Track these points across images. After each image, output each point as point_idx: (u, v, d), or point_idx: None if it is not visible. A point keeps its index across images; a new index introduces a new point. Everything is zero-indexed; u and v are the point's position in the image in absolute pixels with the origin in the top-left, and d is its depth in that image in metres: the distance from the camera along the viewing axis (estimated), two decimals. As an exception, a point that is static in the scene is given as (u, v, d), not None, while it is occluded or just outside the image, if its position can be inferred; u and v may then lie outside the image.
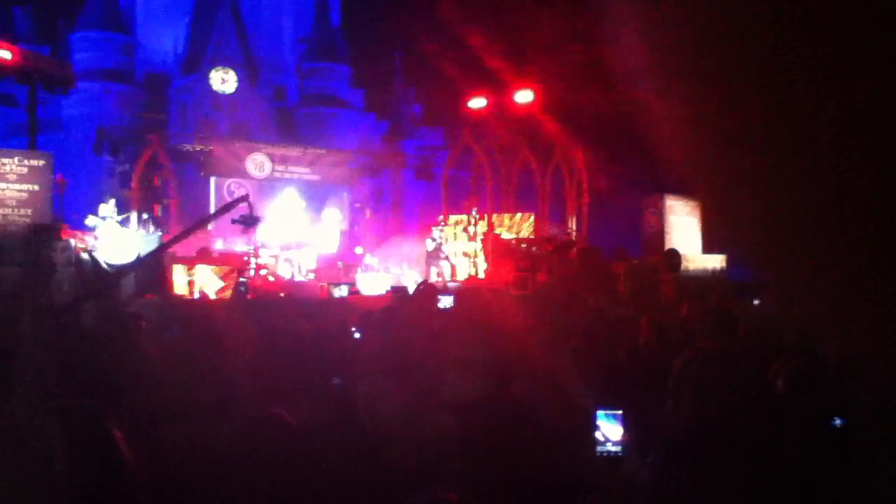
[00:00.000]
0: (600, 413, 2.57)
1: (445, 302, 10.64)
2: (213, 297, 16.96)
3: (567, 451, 2.45)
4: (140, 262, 15.84)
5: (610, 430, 2.56)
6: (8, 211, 17.47)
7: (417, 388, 3.04)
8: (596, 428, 2.54)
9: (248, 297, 16.71)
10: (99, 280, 14.67)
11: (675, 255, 17.80)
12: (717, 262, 18.49)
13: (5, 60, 18.78)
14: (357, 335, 5.97)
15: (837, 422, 2.40)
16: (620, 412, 2.57)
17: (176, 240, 14.91)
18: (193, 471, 2.37)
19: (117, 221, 18.37)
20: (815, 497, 1.92)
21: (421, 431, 2.50)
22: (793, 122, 0.45)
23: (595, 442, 2.48)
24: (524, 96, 22.93)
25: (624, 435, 2.51)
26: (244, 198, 16.53)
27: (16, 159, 17.85)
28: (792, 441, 2.11)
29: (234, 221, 17.70)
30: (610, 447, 2.50)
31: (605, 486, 2.26)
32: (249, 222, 17.44)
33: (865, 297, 0.49)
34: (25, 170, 17.80)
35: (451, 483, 1.83)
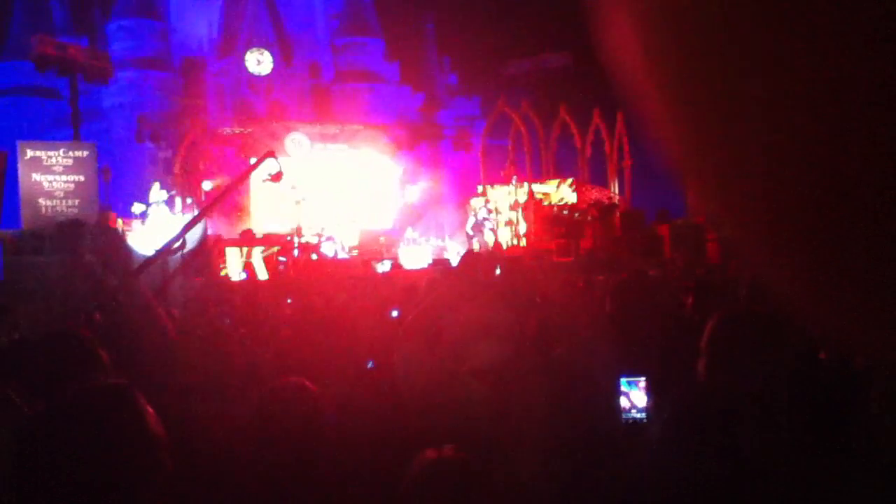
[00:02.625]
0: (623, 380, 2.53)
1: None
2: (260, 276, 17.18)
3: (592, 417, 2.42)
4: (176, 238, 16.03)
5: (635, 397, 2.51)
6: (56, 202, 17.92)
7: (448, 355, 3.02)
8: (621, 394, 2.50)
9: (292, 275, 16.89)
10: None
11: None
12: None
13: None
14: (395, 313, 5.96)
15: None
16: (644, 379, 2.53)
17: (207, 209, 15.06)
18: (217, 441, 2.41)
19: (164, 203, 18.64)
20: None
21: (449, 396, 2.49)
22: (791, 106, 0.42)
23: (620, 408, 2.45)
24: (560, 59, 22.63)
25: (649, 401, 2.47)
26: (269, 154, 16.58)
27: (61, 151, 18.27)
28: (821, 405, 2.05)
29: (264, 181, 17.87)
30: (634, 414, 2.46)
31: (629, 451, 2.23)
32: (277, 179, 17.55)
33: (865, 286, 0.45)
34: (71, 161, 18.21)
35: (467, 446, 1.81)
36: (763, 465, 1.63)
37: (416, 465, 1.78)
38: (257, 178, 23.37)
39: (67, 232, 16.10)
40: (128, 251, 16.37)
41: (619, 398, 2.43)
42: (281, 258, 17.71)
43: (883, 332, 0.52)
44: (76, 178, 18.23)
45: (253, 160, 23.50)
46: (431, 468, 1.75)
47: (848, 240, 0.50)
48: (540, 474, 1.92)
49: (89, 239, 15.98)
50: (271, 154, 10.90)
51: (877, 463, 1.79)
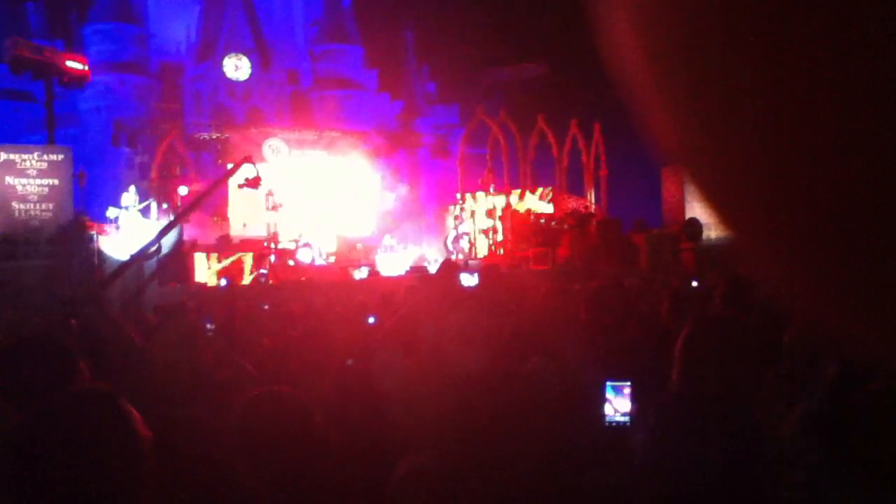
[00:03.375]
0: (608, 385, 2.57)
1: (469, 280, 10.60)
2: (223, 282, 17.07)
3: (574, 422, 2.46)
4: (152, 244, 15.90)
5: (618, 402, 2.56)
6: (30, 206, 17.72)
7: (424, 364, 3.05)
8: (604, 399, 2.55)
9: (270, 283, 16.83)
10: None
11: (695, 225, 17.66)
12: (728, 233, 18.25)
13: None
14: (371, 320, 5.98)
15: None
16: (629, 384, 2.58)
17: (183, 214, 14.95)
18: (199, 448, 2.41)
19: (138, 210, 18.50)
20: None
21: (424, 405, 2.52)
22: (792, 103, 0.44)
23: (603, 413, 2.49)
24: (539, 68, 22.78)
25: (632, 406, 2.51)
26: (246, 159, 16.50)
27: (35, 155, 18.07)
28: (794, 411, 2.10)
29: (240, 186, 17.80)
30: (618, 418, 2.51)
31: (612, 456, 2.27)
32: (253, 185, 17.47)
33: (861, 283, 0.47)
34: (45, 165, 18.02)
35: (444, 453, 1.84)
36: (739, 471, 1.67)
37: (398, 472, 1.80)
38: (235, 184, 23.30)
39: (49, 236, 15.94)
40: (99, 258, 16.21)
41: (603, 403, 2.48)
42: (262, 270, 17.62)
43: (887, 334, 0.53)
44: (51, 181, 18.04)
45: (231, 166, 23.42)
46: (412, 475, 1.78)
47: (852, 240, 0.50)
48: (521, 480, 1.95)
49: (70, 244, 15.82)
50: (249, 160, 10.83)
51: (868, 470, 1.83)
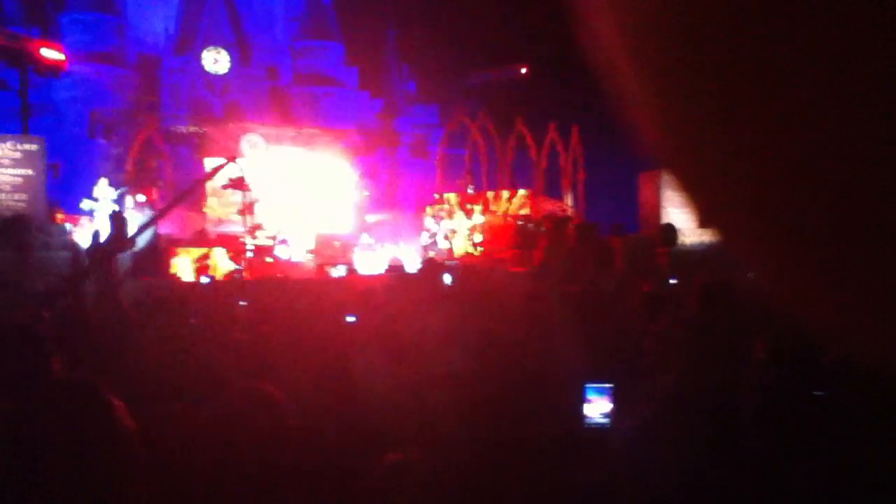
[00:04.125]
0: (589, 386, 2.60)
1: (445, 279, 10.62)
2: (205, 279, 16.97)
3: (555, 423, 2.49)
4: (132, 238, 15.79)
5: (598, 403, 2.59)
6: (3, 196, 17.45)
7: (409, 364, 3.06)
8: (585, 400, 2.58)
9: (246, 279, 16.74)
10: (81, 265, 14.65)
11: (671, 230, 17.79)
12: (713, 235, 18.42)
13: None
14: (350, 319, 5.97)
15: (819, 393, 2.44)
16: (609, 386, 2.61)
17: (164, 212, 14.86)
18: (181, 446, 2.41)
19: (112, 201, 18.31)
20: (792, 466, 1.95)
21: (406, 402, 2.54)
22: (785, 100, 0.44)
23: (583, 414, 2.52)
24: (517, 71, 22.87)
25: (612, 408, 2.55)
26: (230, 160, 16.48)
27: (9, 144, 17.79)
28: (772, 412, 2.14)
29: (224, 186, 17.71)
30: (598, 419, 2.54)
31: (592, 456, 2.30)
32: (238, 186, 17.43)
33: (850, 279, 0.48)
34: (19, 154, 17.74)
35: (426, 449, 1.86)
36: (727, 472, 1.70)
37: (379, 467, 1.82)
38: (218, 183, 23.14)
39: (12, 226, 15.69)
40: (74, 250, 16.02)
41: (582, 404, 2.51)
42: (237, 265, 17.51)
43: (882, 331, 0.53)
44: (24, 171, 17.76)
45: (209, 160, 23.25)
46: (393, 470, 1.79)
47: (846, 239, 0.51)
48: (501, 475, 1.97)
49: (36, 235, 15.59)
50: (232, 159, 10.78)
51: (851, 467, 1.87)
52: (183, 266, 17.70)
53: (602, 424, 2.53)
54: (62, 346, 3.27)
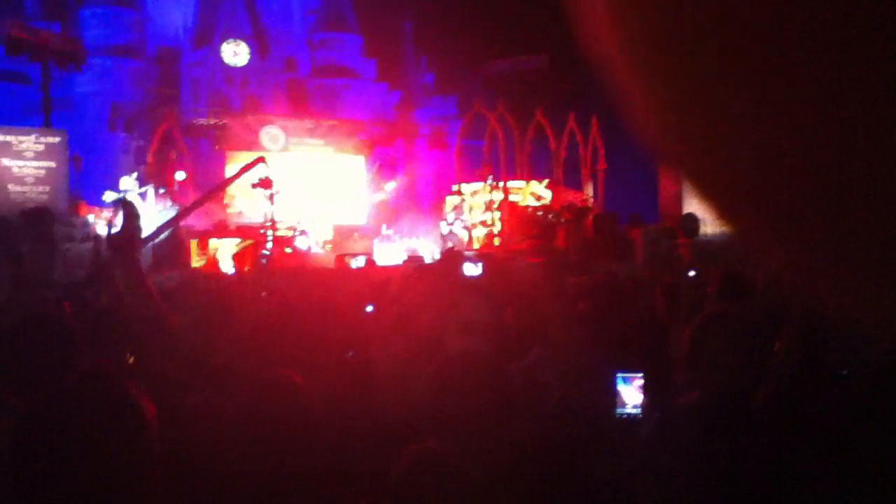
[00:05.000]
0: (619, 376, 2.58)
1: (473, 270, 10.53)
2: (231, 270, 17.09)
3: (580, 414, 2.48)
4: (155, 234, 15.91)
5: (628, 393, 2.57)
6: (27, 188, 17.66)
7: (428, 353, 3.06)
8: (615, 391, 2.56)
9: (269, 268, 16.85)
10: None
11: (692, 220, 17.66)
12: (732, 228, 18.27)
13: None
14: (369, 308, 5.97)
15: (844, 372, 2.43)
16: (640, 375, 2.59)
17: (190, 209, 14.97)
18: (203, 431, 2.42)
19: (138, 194, 18.46)
20: (817, 452, 1.93)
21: (429, 393, 2.53)
22: (788, 94, 0.44)
23: (613, 405, 2.50)
24: (537, 61, 22.77)
25: (644, 398, 2.53)
26: (259, 160, 16.62)
27: (32, 137, 18.00)
28: (798, 398, 2.12)
29: (253, 186, 17.84)
30: (629, 410, 2.53)
31: (622, 448, 2.29)
32: (267, 186, 17.58)
33: (863, 264, 0.48)
34: (42, 147, 17.95)
35: (451, 440, 1.86)
36: (749, 466, 1.69)
37: (404, 457, 1.81)
38: (232, 172, 23.25)
39: (37, 219, 15.87)
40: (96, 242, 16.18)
41: (613, 395, 2.49)
42: (265, 251, 17.61)
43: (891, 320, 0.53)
44: (47, 164, 17.97)
45: (231, 153, 23.34)
46: (418, 461, 1.79)
47: (852, 233, 0.51)
48: (528, 468, 1.97)
49: (60, 227, 15.76)
50: (262, 160, 10.84)
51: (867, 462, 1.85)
52: (223, 256, 17.84)
53: (633, 415, 2.51)
54: (86, 337, 3.30)
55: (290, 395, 2.21)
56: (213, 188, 17.47)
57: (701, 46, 0.51)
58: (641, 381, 2.55)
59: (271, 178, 17.75)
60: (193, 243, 18.00)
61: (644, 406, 2.50)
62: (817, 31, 0.47)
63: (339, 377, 3.17)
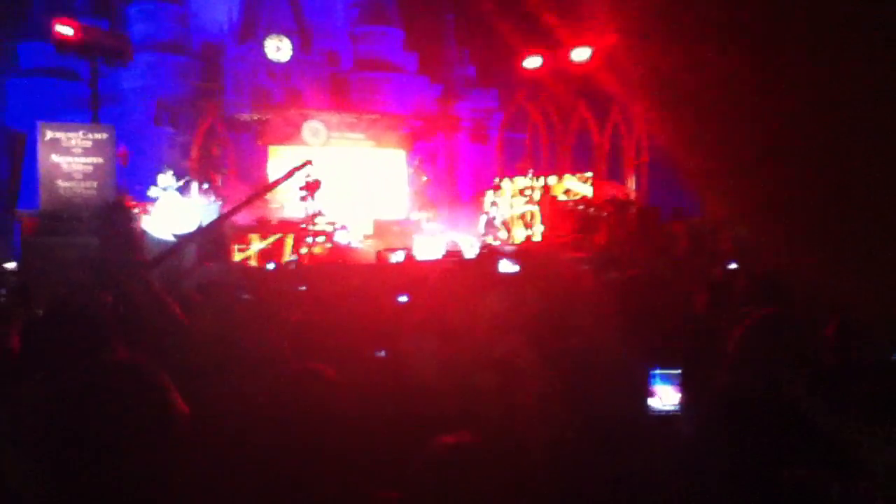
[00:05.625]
0: (657, 373, 2.52)
1: (510, 267, 10.46)
2: (271, 265, 17.26)
3: (618, 409, 2.42)
4: (202, 231, 16.18)
5: (665, 390, 2.51)
6: (74, 184, 18.01)
7: (461, 346, 3.03)
8: (651, 386, 2.50)
9: (305, 264, 16.98)
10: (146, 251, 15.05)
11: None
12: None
13: (66, 36, 19.23)
14: (403, 299, 5.96)
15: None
16: (678, 372, 2.52)
17: (237, 209, 15.13)
18: (233, 422, 2.42)
19: (176, 190, 18.71)
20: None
21: (462, 387, 2.50)
22: (796, 100, 0.41)
23: (650, 401, 2.44)
24: (581, 53, 22.53)
25: (682, 395, 2.46)
26: (306, 164, 16.74)
27: (80, 133, 18.34)
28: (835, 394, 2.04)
29: (301, 188, 18.00)
30: (666, 407, 2.46)
31: (659, 446, 2.22)
32: (314, 189, 17.76)
33: (872, 264, 0.45)
34: (90, 143, 18.28)
35: (483, 431, 1.82)
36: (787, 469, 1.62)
37: (432, 449, 1.78)
38: (274, 166, 23.46)
39: (101, 214, 16.20)
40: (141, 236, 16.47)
41: (649, 391, 2.43)
42: (293, 257, 17.78)
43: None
44: (95, 160, 18.29)
45: (273, 149, 23.55)
46: (448, 453, 1.76)
47: (860, 229, 0.49)
48: (561, 460, 1.92)
49: (112, 223, 16.04)
50: (309, 163, 10.93)
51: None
52: (252, 253, 18.08)
53: (670, 412, 2.45)
54: (125, 329, 3.33)
55: (320, 387, 2.20)
56: (261, 189, 17.67)
57: (705, 49, 0.48)
58: (679, 378, 2.48)
59: (320, 180, 17.92)
60: (253, 236, 18.27)
61: (682, 404, 2.43)
62: (823, 34, 0.43)
63: (370, 372, 3.14)
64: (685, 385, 2.44)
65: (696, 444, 1.74)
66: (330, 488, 2.06)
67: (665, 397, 2.47)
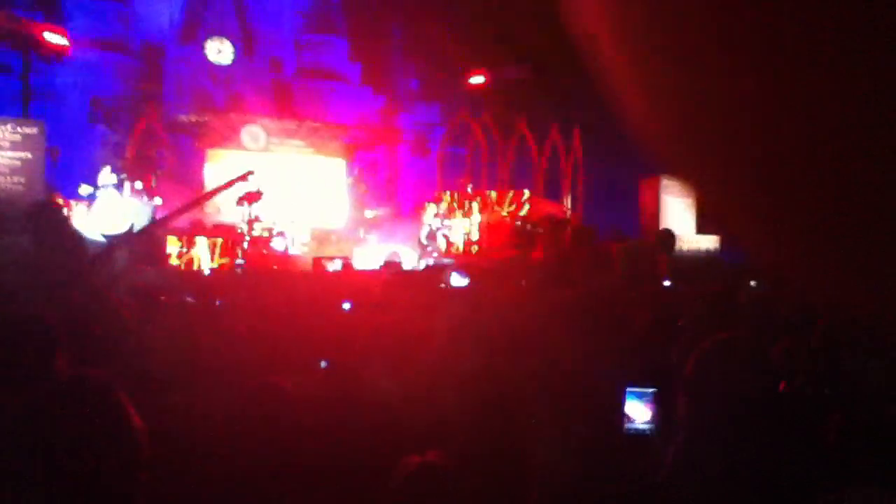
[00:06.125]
0: (629, 391, 2.57)
1: (460, 280, 10.45)
2: (207, 271, 16.96)
3: (591, 428, 2.47)
4: (136, 234, 15.78)
5: (637, 409, 2.56)
6: (1, 179, 17.38)
7: (418, 363, 3.05)
8: (623, 406, 2.55)
9: (246, 269, 16.74)
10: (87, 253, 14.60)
11: (668, 235, 17.75)
12: (711, 242, 18.52)
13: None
14: (347, 306, 5.96)
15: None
16: (651, 391, 2.58)
17: (174, 215, 14.83)
18: (192, 438, 2.39)
19: (113, 186, 18.23)
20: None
21: (425, 405, 2.52)
22: (790, 101, 0.44)
23: (622, 420, 2.50)
24: (520, 73, 22.85)
25: (654, 414, 2.52)
26: (248, 174, 16.59)
27: (9, 126, 17.72)
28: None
29: (239, 199, 17.75)
30: (638, 425, 2.52)
31: (633, 465, 2.28)
32: (254, 200, 17.57)
33: (866, 272, 0.48)
34: (19, 137, 17.68)
35: (451, 451, 1.84)
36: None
37: (401, 470, 1.80)
38: (212, 169, 23.08)
39: (41, 211, 15.62)
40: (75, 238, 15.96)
41: (623, 410, 2.48)
42: (239, 261, 17.51)
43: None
44: (23, 155, 17.71)
45: (215, 155, 23.16)
46: (416, 474, 1.77)
47: (855, 231, 0.51)
48: (527, 484, 1.96)
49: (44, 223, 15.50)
50: (251, 173, 10.82)
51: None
52: (201, 257, 17.74)
53: (643, 431, 2.50)
54: (69, 339, 3.24)
55: (279, 402, 2.19)
56: (199, 197, 17.34)
57: (695, 50, 0.51)
58: (652, 397, 2.54)
59: (261, 191, 17.71)
60: (172, 239, 17.86)
61: (654, 422, 2.50)
62: (818, 34, 0.46)
63: (327, 386, 3.13)
64: (659, 404, 2.50)
65: (673, 464, 1.80)
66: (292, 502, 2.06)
67: (638, 416, 2.53)
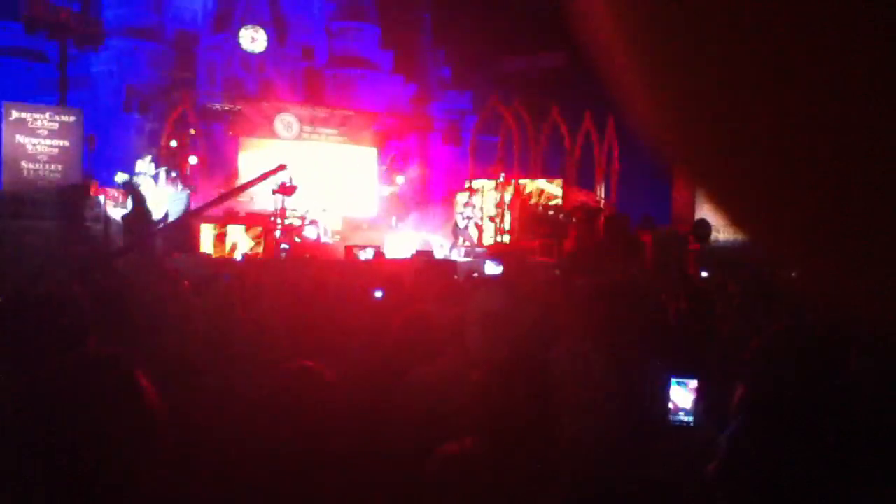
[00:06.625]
0: (673, 381, 2.52)
1: (493, 269, 10.45)
2: (239, 257, 17.11)
3: (633, 416, 2.42)
4: (169, 221, 16.00)
5: (680, 398, 2.51)
6: (39, 166, 17.66)
7: (452, 350, 3.02)
8: (668, 395, 2.50)
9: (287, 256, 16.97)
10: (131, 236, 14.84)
11: (704, 225, 17.58)
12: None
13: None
14: (379, 294, 5.96)
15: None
16: (695, 381, 2.53)
17: (209, 205, 15.01)
18: (223, 420, 2.38)
19: (150, 177, 18.45)
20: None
21: (454, 393, 2.48)
22: (803, 94, 0.43)
23: (666, 410, 2.45)
24: (555, 59, 22.67)
25: (696, 404, 2.47)
26: (281, 167, 16.78)
27: (47, 115, 17.99)
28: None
29: (274, 192, 17.90)
30: (682, 416, 2.47)
31: (673, 454, 2.23)
32: (289, 192, 17.77)
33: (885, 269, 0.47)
34: (56, 125, 17.94)
35: (485, 438, 1.80)
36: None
37: (437, 457, 1.77)
38: (245, 157, 23.25)
39: (67, 197, 15.92)
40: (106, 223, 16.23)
41: (667, 399, 2.44)
42: (284, 245, 17.69)
43: None
44: (61, 143, 17.96)
45: (248, 143, 23.33)
46: (451, 463, 1.75)
47: (862, 231, 0.51)
48: (563, 464, 1.92)
49: (73, 208, 15.77)
50: (283, 167, 10.92)
51: None
52: (208, 242, 17.94)
53: (686, 422, 2.45)
54: (97, 320, 3.26)
55: (316, 385, 2.17)
56: (234, 189, 17.52)
57: (713, 49, 0.50)
58: (695, 387, 2.49)
59: (296, 185, 17.89)
60: (207, 227, 18.06)
61: (697, 413, 2.44)
62: (831, 32, 0.45)
63: (364, 372, 3.12)
64: (703, 394, 2.45)
65: (716, 454, 1.75)
66: (329, 490, 2.04)
67: (681, 405, 2.48)
